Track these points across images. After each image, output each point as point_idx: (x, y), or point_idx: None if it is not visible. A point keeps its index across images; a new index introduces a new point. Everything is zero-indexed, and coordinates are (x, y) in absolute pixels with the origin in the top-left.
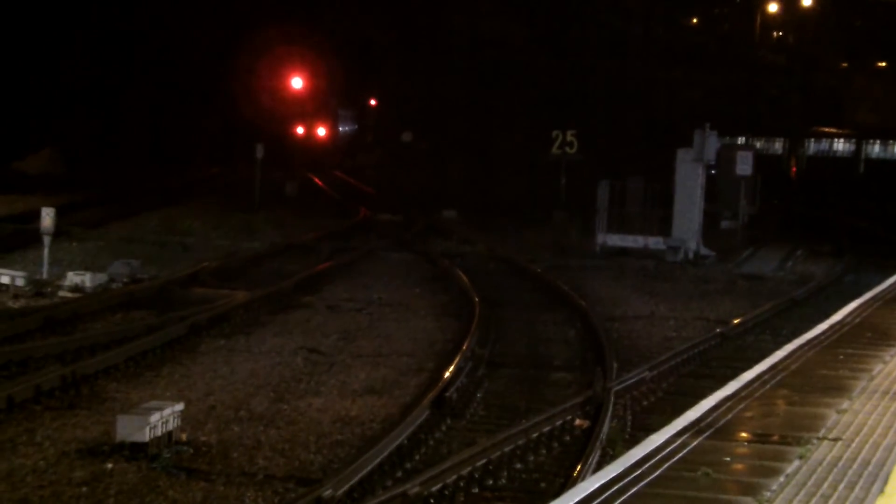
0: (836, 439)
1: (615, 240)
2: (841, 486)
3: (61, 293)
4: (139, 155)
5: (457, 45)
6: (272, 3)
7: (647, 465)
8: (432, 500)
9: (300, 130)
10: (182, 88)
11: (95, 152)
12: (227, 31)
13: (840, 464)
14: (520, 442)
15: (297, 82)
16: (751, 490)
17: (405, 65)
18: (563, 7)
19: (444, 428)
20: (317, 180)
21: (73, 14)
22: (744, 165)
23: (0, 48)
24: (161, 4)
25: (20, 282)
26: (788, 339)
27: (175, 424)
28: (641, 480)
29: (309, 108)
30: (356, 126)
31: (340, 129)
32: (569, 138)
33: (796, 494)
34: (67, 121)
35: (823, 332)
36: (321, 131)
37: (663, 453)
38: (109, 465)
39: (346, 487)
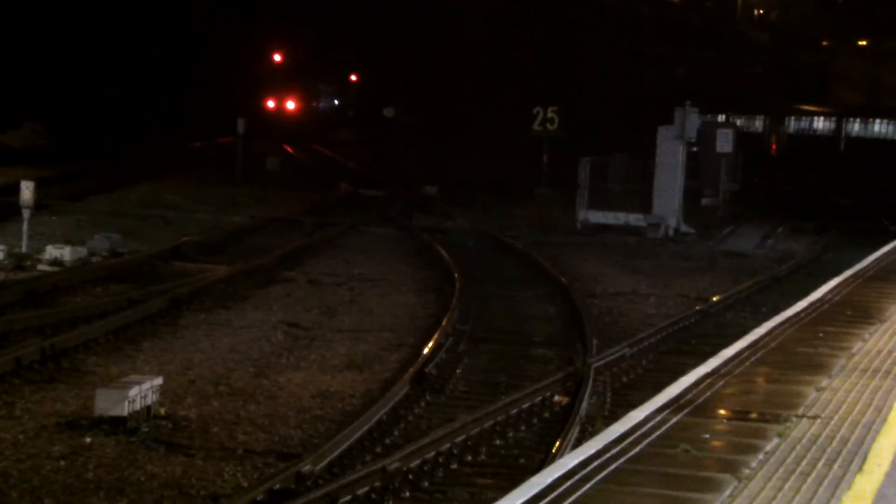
0: (815, 417)
1: (597, 216)
2: (820, 464)
3: (41, 267)
4: (122, 128)
5: (442, 20)
6: None
7: (626, 442)
8: (412, 476)
9: (271, 104)
10: (166, 61)
11: (78, 125)
12: (210, 5)
13: (819, 441)
14: (499, 418)
15: (277, 56)
16: (730, 467)
17: (388, 40)
18: None
19: (423, 404)
20: (298, 155)
21: None
22: (724, 143)
23: None
24: None
25: None
26: (768, 317)
27: (154, 399)
28: (621, 457)
29: (290, 82)
30: (338, 101)
31: (320, 103)
32: (549, 115)
33: (775, 472)
34: (51, 93)
35: (803, 310)
36: (294, 105)
37: (643, 430)
38: (88, 439)
39: (325, 462)
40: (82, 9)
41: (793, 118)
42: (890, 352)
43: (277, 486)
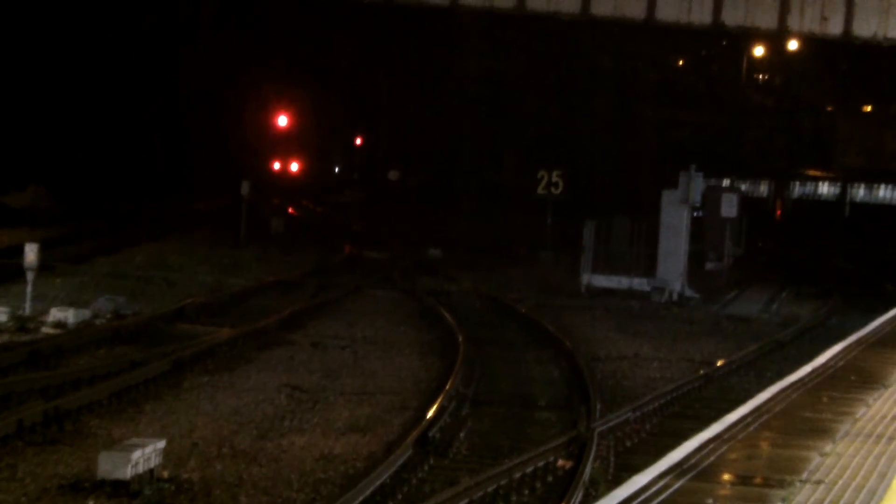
0: (819, 482)
1: (600, 280)
2: None
3: (44, 329)
4: (127, 188)
5: (443, 83)
6: (265, 40)
7: None
8: None
9: (276, 166)
10: (172, 122)
11: (82, 185)
12: (218, 66)
13: None
14: (503, 482)
15: (282, 120)
16: None
17: (394, 104)
18: (552, 47)
19: (427, 467)
20: (302, 216)
21: (59, 44)
22: (729, 207)
23: None
24: (152, 39)
25: (3, 317)
26: (773, 381)
27: (157, 461)
28: None
29: (295, 145)
30: (342, 163)
31: (325, 165)
32: (554, 178)
33: None
34: (54, 153)
35: (808, 375)
36: (298, 167)
37: (646, 494)
38: (91, 502)
39: None
40: (84, 70)
41: (798, 183)
42: (894, 417)
43: None
